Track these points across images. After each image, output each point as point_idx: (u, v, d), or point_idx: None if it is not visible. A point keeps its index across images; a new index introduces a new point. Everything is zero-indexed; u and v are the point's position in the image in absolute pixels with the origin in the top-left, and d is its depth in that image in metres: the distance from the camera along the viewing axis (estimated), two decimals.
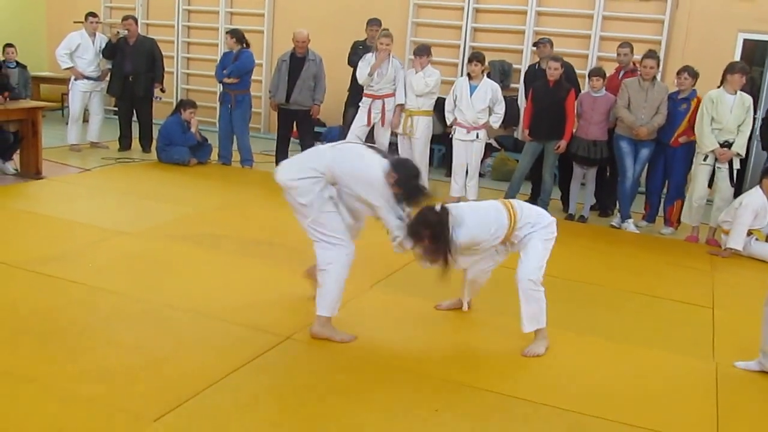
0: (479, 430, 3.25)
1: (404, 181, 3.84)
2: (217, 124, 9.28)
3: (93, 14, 9.42)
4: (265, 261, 5.39)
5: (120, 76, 9.21)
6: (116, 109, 9.91)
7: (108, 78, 9.41)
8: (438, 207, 3.84)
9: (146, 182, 7.93)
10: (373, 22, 8.87)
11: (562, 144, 7.32)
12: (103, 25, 12.32)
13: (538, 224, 4.13)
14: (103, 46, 9.34)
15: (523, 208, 4.14)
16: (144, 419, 3.07)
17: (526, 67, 9.50)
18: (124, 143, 9.45)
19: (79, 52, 9.21)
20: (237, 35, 8.69)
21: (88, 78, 9.28)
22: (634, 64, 7.60)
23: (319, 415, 3.27)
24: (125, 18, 9.38)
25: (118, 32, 9.24)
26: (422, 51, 7.83)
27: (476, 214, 4.02)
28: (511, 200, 4.22)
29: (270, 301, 4.53)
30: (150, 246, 5.50)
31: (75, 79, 9.27)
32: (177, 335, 3.93)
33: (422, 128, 7.83)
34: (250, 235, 6.02)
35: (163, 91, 9.57)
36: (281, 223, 6.47)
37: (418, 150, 7.87)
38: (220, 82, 8.90)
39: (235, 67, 8.59)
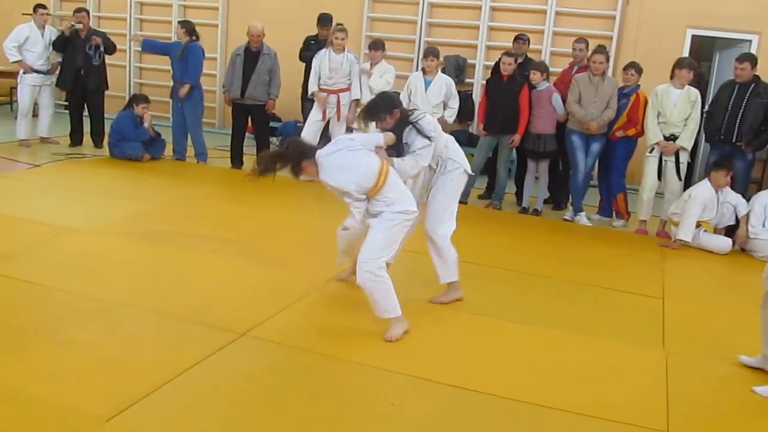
0: (432, 423, 3.28)
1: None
2: (171, 119, 9.16)
3: (42, 6, 9.18)
4: (219, 257, 5.35)
5: (71, 70, 9.02)
6: (66, 103, 9.70)
7: (58, 71, 9.21)
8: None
9: (98, 178, 7.80)
10: (325, 21, 8.81)
11: (516, 138, 7.40)
12: (53, 17, 12.11)
13: (393, 206, 4.08)
14: (53, 38, 9.14)
15: (394, 183, 4.13)
16: (97, 419, 3.03)
17: (483, 63, 9.60)
18: (76, 138, 9.27)
19: (28, 45, 8.98)
20: (188, 27, 8.58)
21: (37, 72, 9.06)
22: (588, 59, 7.71)
23: (275, 412, 3.26)
24: (78, 10, 9.18)
25: (72, 25, 9.01)
26: (377, 45, 7.85)
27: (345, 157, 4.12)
28: (391, 168, 4.21)
29: (225, 298, 4.50)
30: (102, 243, 5.42)
31: (24, 73, 9.05)
32: (130, 333, 3.89)
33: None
34: (203, 232, 5.97)
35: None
36: (235, 219, 6.47)
37: None
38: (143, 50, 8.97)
39: (193, 71, 8.50)
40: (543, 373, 3.85)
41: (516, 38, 8.21)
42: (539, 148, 7.39)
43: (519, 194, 7.95)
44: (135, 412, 3.11)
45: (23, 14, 9.37)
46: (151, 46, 8.89)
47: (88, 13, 9.30)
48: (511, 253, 6.11)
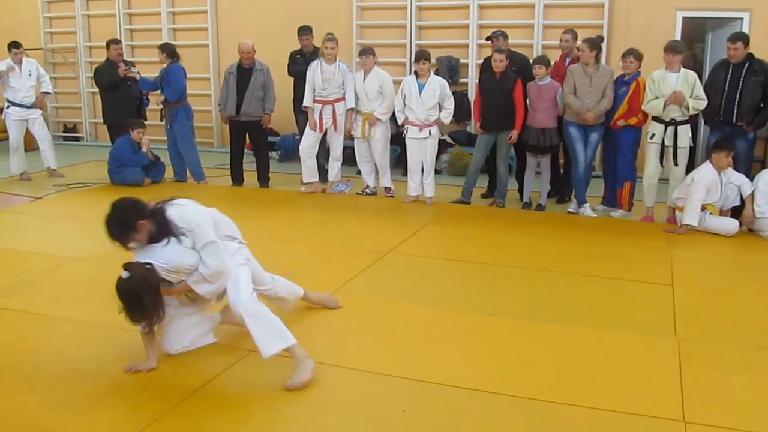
0: (445, 426, 3.24)
1: None
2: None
3: (16, 44, 9.11)
4: None
5: (124, 106, 8.96)
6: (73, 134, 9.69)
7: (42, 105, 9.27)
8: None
9: (100, 206, 7.68)
10: (304, 30, 8.79)
11: (514, 134, 7.37)
12: (45, 51, 12.16)
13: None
14: (34, 71, 9.15)
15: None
16: None
17: (476, 61, 9.58)
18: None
19: (10, 82, 9.01)
20: (167, 49, 8.61)
21: (20, 106, 9.08)
22: (578, 50, 7.68)
23: (287, 425, 3.23)
24: (114, 42, 9.17)
25: (128, 68, 8.97)
26: (367, 52, 7.84)
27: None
28: None
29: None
30: (106, 271, 5.34)
31: (7, 108, 9.08)
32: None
33: (380, 130, 7.85)
34: None
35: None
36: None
37: (378, 152, 7.89)
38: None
39: (174, 89, 8.52)
40: (555, 369, 3.81)
41: (488, 38, 8.05)
42: (543, 143, 7.35)
43: (521, 190, 7.91)
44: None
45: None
46: (146, 85, 8.89)
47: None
48: (517, 249, 6.08)
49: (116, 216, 3.59)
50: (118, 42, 9.22)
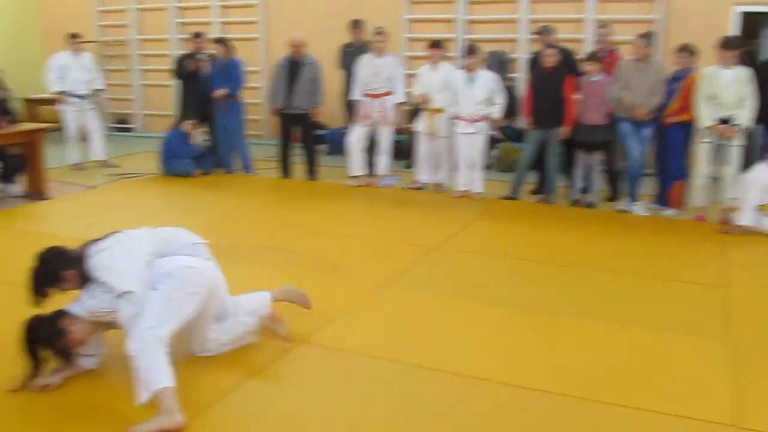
0: (493, 425, 3.23)
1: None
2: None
3: (75, 35, 9.41)
4: (273, 267, 5.38)
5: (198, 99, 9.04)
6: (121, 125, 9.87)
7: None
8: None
9: (151, 196, 7.94)
10: (355, 24, 8.82)
11: (564, 130, 7.29)
12: (99, 44, 12.41)
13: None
14: (90, 65, 9.37)
15: None
16: None
17: (526, 56, 9.49)
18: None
19: (67, 72, 9.23)
20: (228, 44, 8.74)
21: (77, 96, 9.30)
22: (614, 44, 7.60)
23: (334, 417, 3.26)
24: (196, 35, 9.29)
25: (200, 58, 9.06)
26: (435, 44, 7.80)
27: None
28: None
29: (282, 307, 4.50)
30: None
31: (64, 98, 9.32)
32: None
33: (445, 126, 7.79)
34: (257, 242, 6.02)
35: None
36: (287, 228, 6.51)
37: (440, 148, 7.85)
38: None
39: (236, 82, 8.65)
40: (604, 368, 3.76)
41: (538, 32, 8.00)
42: (594, 139, 7.26)
43: (571, 187, 7.82)
44: (195, 426, 3.13)
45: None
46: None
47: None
48: (566, 247, 6.02)
49: (42, 268, 3.45)
50: (199, 35, 9.32)
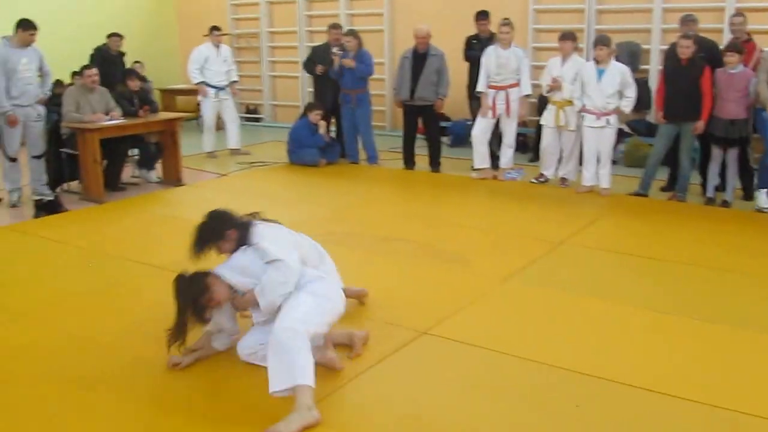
0: (618, 426, 3.15)
1: None
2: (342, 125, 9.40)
3: (216, 28, 9.83)
4: (395, 256, 5.44)
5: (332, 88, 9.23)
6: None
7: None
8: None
9: (279, 184, 8.19)
10: (481, 15, 8.73)
11: (700, 125, 6.97)
12: (232, 36, 12.87)
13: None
14: (229, 57, 9.78)
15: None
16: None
17: (659, 47, 9.14)
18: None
19: (208, 64, 9.64)
20: (358, 36, 8.81)
21: (215, 87, 9.69)
22: (748, 34, 7.17)
23: (458, 411, 3.26)
24: (336, 26, 9.46)
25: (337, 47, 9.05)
26: (565, 36, 7.62)
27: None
28: None
29: (403, 297, 4.56)
30: None
31: (204, 89, 9.74)
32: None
33: (575, 120, 7.62)
34: (380, 232, 6.09)
35: None
36: (410, 219, 6.56)
37: (571, 142, 7.69)
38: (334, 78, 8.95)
39: (366, 70, 8.69)
40: (736, 375, 3.60)
41: (684, 19, 7.65)
42: (732, 134, 6.91)
43: (704, 185, 7.48)
44: (321, 408, 3.20)
45: (204, 36, 9.99)
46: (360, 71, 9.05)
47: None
48: (697, 247, 5.75)
49: (210, 224, 3.74)
50: (336, 26, 9.49)
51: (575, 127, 7.57)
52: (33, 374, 3.63)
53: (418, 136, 8.85)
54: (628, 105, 7.32)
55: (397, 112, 10.06)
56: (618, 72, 7.27)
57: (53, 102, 8.19)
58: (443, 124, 9.69)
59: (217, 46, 9.75)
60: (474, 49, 8.66)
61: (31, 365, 3.73)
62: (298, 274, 3.50)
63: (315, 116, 8.93)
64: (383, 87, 11.38)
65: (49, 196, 7.14)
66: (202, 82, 9.68)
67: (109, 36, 9.90)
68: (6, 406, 3.32)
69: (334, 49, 8.87)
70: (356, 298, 4.43)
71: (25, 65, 7.03)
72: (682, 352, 3.85)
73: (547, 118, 7.78)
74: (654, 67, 9.33)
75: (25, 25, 6.99)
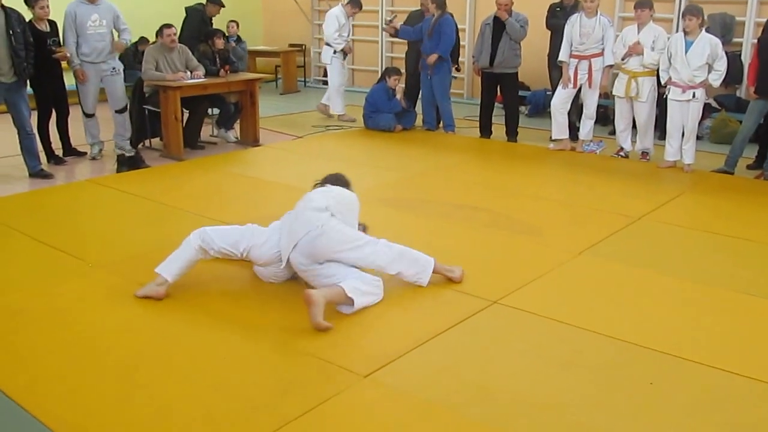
0: (693, 404, 3.05)
1: None
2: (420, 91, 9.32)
3: None
4: (468, 225, 5.39)
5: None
6: None
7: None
8: None
9: (353, 148, 8.19)
10: None
11: None
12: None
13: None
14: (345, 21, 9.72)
15: None
16: (356, 374, 3.20)
17: (754, 19, 8.74)
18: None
19: (342, 30, 9.68)
20: (438, 0, 8.64)
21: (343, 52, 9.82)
22: None
23: (524, 381, 3.22)
24: None
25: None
26: (643, 4, 7.36)
27: None
28: None
29: (475, 266, 4.51)
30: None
31: (334, 53, 9.75)
32: (391, 298, 4.01)
33: (648, 90, 7.38)
34: (453, 200, 6.04)
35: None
36: (484, 188, 6.49)
37: (644, 114, 7.46)
38: (398, 37, 8.95)
39: (445, 43, 8.51)
40: None
41: None
42: None
43: None
44: (390, 370, 3.23)
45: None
46: (406, 34, 9.03)
47: None
48: None
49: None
50: None
51: (646, 99, 7.32)
52: (114, 320, 3.76)
53: (496, 104, 8.72)
54: (717, 79, 7.02)
55: (475, 80, 9.91)
56: (707, 44, 6.96)
57: (137, 59, 8.36)
58: (522, 93, 9.51)
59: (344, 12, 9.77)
60: (557, 16, 8.46)
61: (109, 313, 3.86)
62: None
63: (393, 81, 8.88)
64: (463, 54, 11.21)
65: (130, 152, 7.32)
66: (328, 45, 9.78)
67: (212, 3, 9.91)
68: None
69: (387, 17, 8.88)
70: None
71: (94, 21, 7.13)
72: (763, 335, 3.71)
73: (618, 88, 7.55)
74: (748, 41, 8.92)
75: None
